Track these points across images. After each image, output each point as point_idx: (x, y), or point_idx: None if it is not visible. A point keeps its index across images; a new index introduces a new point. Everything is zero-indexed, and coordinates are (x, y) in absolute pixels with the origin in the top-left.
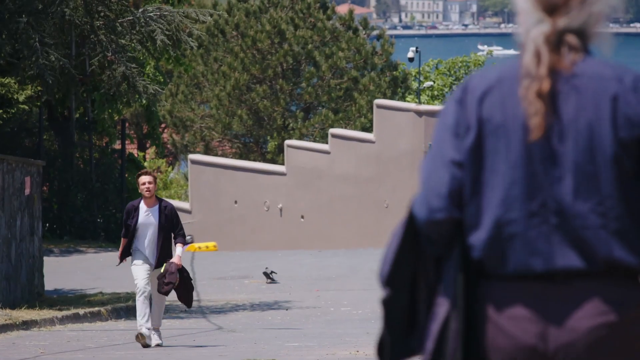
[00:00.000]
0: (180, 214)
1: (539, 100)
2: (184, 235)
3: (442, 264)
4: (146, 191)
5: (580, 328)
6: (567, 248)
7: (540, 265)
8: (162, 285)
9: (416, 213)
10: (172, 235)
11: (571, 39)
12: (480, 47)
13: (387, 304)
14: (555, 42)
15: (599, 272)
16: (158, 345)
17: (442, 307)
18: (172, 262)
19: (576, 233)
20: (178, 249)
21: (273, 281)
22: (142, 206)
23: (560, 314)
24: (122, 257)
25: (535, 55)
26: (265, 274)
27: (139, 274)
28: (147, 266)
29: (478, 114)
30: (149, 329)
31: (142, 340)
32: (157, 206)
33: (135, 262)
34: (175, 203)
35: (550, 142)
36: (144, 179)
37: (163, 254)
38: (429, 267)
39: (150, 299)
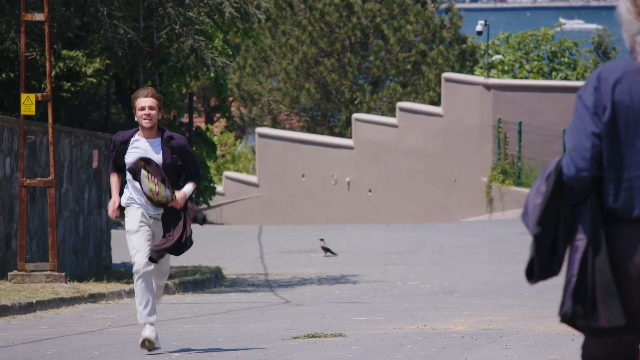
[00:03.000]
0: (247, 187)
1: None
2: (200, 178)
3: (578, 209)
4: (145, 119)
5: None
6: None
7: None
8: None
9: (566, 171)
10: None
11: None
12: (562, 20)
13: (537, 237)
14: None
15: None
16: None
17: (581, 242)
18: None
19: None
20: (187, 186)
21: (332, 254)
22: (138, 139)
23: None
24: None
25: None
26: (324, 248)
27: (137, 245)
28: (147, 231)
29: (612, 97)
30: (153, 324)
31: (150, 346)
32: (158, 138)
33: (130, 223)
34: (243, 177)
35: None
36: (143, 102)
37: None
38: (568, 211)
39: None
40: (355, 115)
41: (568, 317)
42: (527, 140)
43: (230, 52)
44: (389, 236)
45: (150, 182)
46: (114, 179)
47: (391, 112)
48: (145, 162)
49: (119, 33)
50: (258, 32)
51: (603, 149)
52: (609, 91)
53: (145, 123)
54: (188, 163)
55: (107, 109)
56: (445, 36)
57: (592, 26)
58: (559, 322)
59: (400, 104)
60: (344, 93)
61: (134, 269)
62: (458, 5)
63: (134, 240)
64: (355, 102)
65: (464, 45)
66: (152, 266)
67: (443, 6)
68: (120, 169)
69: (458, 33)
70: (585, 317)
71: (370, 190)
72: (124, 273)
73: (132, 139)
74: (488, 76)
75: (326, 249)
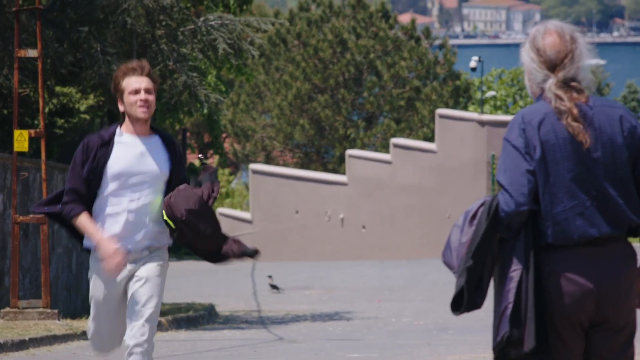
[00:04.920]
0: (241, 224)
1: (576, 122)
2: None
3: (510, 243)
4: (140, 107)
5: (616, 273)
6: (606, 220)
7: (596, 233)
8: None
9: (505, 208)
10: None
11: (574, 84)
12: None
13: (470, 270)
14: (564, 86)
15: (619, 236)
16: None
17: (516, 272)
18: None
19: (610, 210)
20: None
21: (278, 290)
22: (127, 137)
23: (604, 266)
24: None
25: (558, 97)
26: (271, 285)
27: (100, 325)
28: (118, 298)
29: (539, 137)
30: None
31: None
32: (156, 137)
33: (95, 286)
34: (237, 213)
35: (589, 153)
36: (136, 82)
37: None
38: (495, 246)
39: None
40: (349, 152)
41: (503, 344)
42: None
43: (224, 88)
44: (383, 272)
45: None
46: (84, 220)
47: (385, 148)
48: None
49: (113, 69)
50: (252, 68)
51: (538, 184)
52: (535, 132)
53: (141, 112)
54: (182, 175)
55: None
56: (439, 72)
57: (592, 61)
58: (494, 359)
59: (394, 140)
60: (337, 129)
61: (92, 344)
62: (452, 42)
63: (100, 318)
64: (349, 138)
65: (457, 82)
66: (118, 342)
67: (437, 42)
68: (94, 194)
69: (452, 69)
70: (519, 343)
71: (364, 227)
72: None
73: (116, 138)
74: (482, 112)
75: (273, 286)
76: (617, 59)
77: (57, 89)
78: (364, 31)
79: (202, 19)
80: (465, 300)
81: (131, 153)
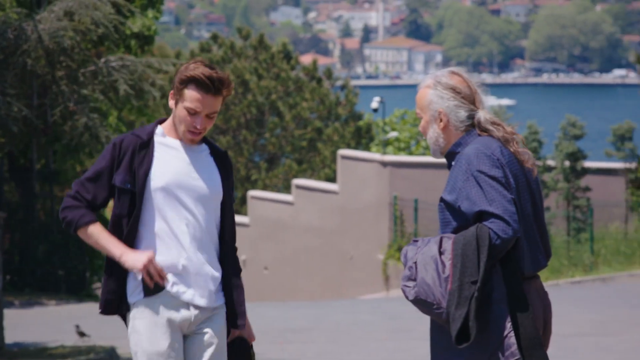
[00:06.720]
0: None
1: (524, 148)
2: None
3: (487, 273)
4: (191, 132)
5: (549, 305)
6: (544, 253)
7: (545, 264)
8: None
9: (503, 235)
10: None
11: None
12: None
13: (477, 300)
14: (493, 117)
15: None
16: None
17: (503, 301)
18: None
19: (544, 242)
20: (239, 293)
21: (85, 336)
22: (170, 140)
23: (544, 298)
24: (110, 307)
25: (496, 124)
26: (79, 332)
27: None
28: (178, 336)
29: (508, 168)
30: None
31: None
32: (203, 146)
33: (147, 341)
34: None
35: (532, 183)
36: (203, 102)
37: (231, 273)
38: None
39: None
40: (250, 193)
41: None
42: (424, 218)
43: (125, 130)
44: (285, 314)
45: None
46: (99, 230)
47: (287, 189)
48: None
49: (13, 110)
50: (153, 109)
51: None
52: (505, 163)
53: (188, 139)
54: (233, 198)
55: (0, 187)
56: (340, 113)
57: (506, 102)
58: None
59: (295, 181)
60: (239, 170)
61: None
62: (353, 82)
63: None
64: (251, 179)
65: (359, 122)
66: None
67: (338, 83)
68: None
69: (354, 110)
70: None
71: (266, 268)
72: (17, 353)
73: (156, 138)
74: (384, 153)
75: (82, 334)
76: (518, 99)
77: None
78: (265, 72)
79: (103, 60)
80: (473, 330)
81: (178, 160)
